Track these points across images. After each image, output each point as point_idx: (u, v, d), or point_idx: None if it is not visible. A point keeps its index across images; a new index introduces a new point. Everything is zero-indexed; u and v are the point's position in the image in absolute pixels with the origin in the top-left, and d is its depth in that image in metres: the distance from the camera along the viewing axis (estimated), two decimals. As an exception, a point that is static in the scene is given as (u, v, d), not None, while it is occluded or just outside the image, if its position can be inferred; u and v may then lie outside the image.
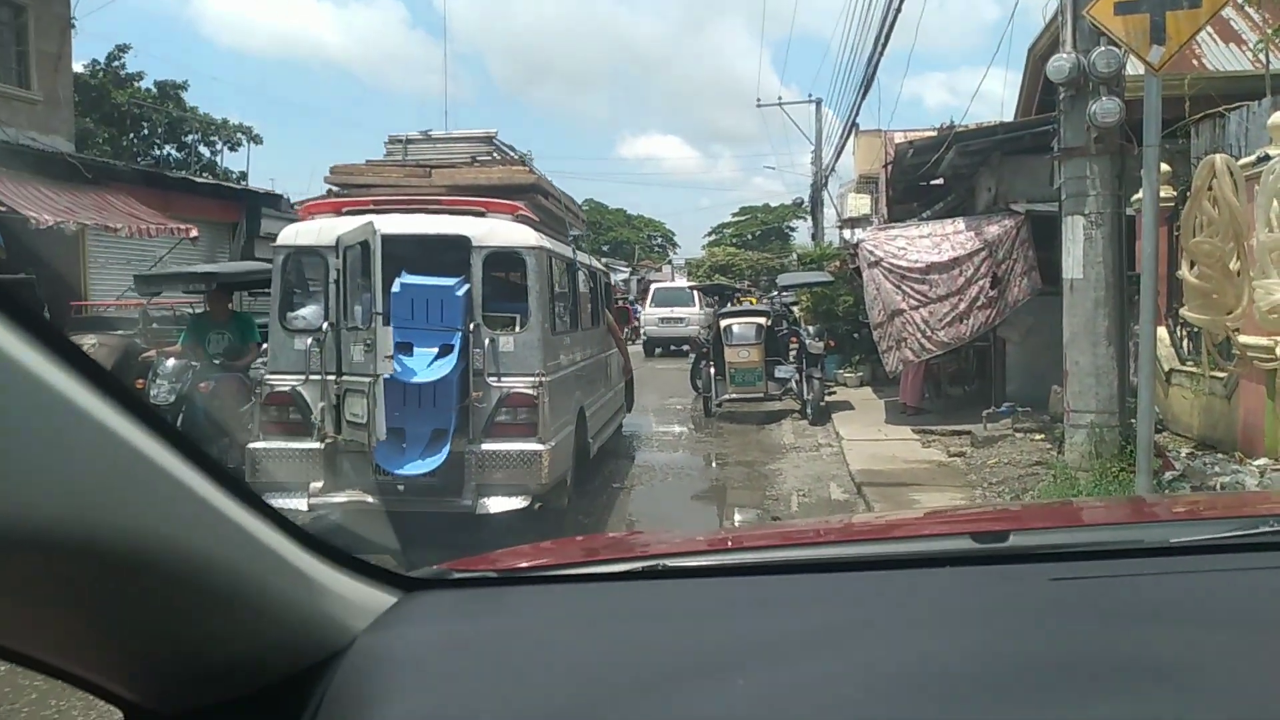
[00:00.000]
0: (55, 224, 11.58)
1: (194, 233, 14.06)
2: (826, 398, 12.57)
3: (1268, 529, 1.27)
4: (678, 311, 23.59)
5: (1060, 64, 7.04)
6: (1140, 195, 6.41)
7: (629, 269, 44.75)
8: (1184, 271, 7.22)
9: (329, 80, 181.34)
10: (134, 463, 0.70)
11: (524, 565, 1.46)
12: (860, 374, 15.30)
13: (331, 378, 6.18)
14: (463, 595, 1.21)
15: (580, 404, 7.62)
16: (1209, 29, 10.21)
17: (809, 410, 12.00)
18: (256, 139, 26.94)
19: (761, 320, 12.71)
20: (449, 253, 6.61)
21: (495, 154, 8.12)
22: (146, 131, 24.91)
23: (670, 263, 61.30)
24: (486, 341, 6.36)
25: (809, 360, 12.30)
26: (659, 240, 68.99)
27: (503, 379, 6.33)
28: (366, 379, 5.86)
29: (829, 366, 13.69)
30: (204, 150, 26.30)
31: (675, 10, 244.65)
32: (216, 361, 7.88)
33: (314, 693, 0.92)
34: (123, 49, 23.78)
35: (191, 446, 0.76)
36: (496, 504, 6.14)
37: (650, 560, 1.33)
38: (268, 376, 6.60)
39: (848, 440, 10.17)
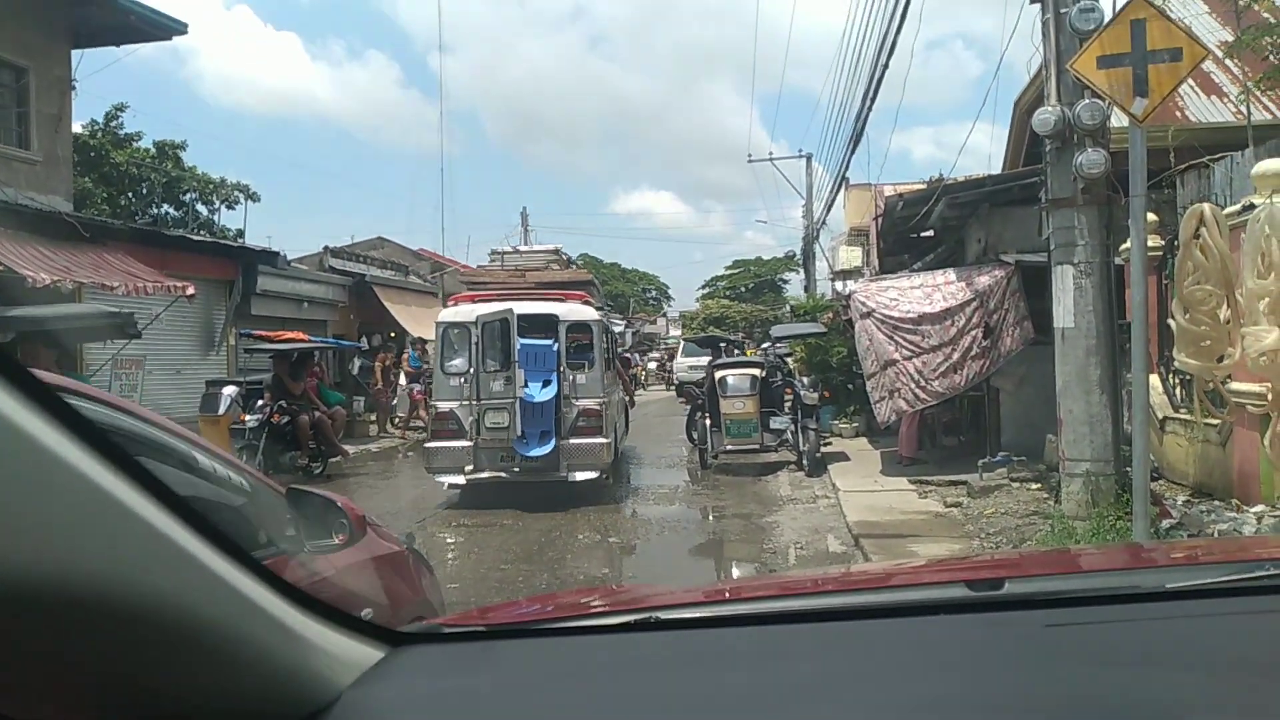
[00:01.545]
0: (52, 283, 11.56)
1: (191, 290, 14.04)
2: (822, 449, 12.54)
3: (1264, 573, 1.26)
4: (703, 360, 28.69)
5: (1045, 117, 7.15)
6: (1128, 244, 6.47)
7: (624, 321, 44.90)
8: (1176, 318, 7.26)
9: (325, 138, 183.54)
10: (110, 511, 0.69)
11: (514, 619, 1.44)
12: (856, 425, 15.29)
13: (475, 402, 9.99)
14: (452, 650, 1.19)
15: (614, 420, 11.34)
16: (1190, 81, 10.38)
17: (805, 461, 11.97)
18: (254, 197, 27.04)
19: (756, 371, 12.72)
20: (544, 324, 10.56)
21: (559, 260, 14.55)
22: (145, 191, 25.01)
23: (665, 315, 61.62)
24: (570, 378, 10.38)
25: (804, 411, 12.28)
26: (653, 293, 69.31)
27: (580, 400, 10.32)
28: (507, 400, 9.86)
29: (824, 417, 13.67)
30: (202, 209, 26.35)
31: (666, 68, 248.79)
32: None
33: None
34: (120, 109, 23.98)
35: (173, 497, 0.75)
36: (581, 475, 10.12)
37: (643, 612, 1.31)
38: (434, 401, 10.60)
39: (844, 492, 10.12)
